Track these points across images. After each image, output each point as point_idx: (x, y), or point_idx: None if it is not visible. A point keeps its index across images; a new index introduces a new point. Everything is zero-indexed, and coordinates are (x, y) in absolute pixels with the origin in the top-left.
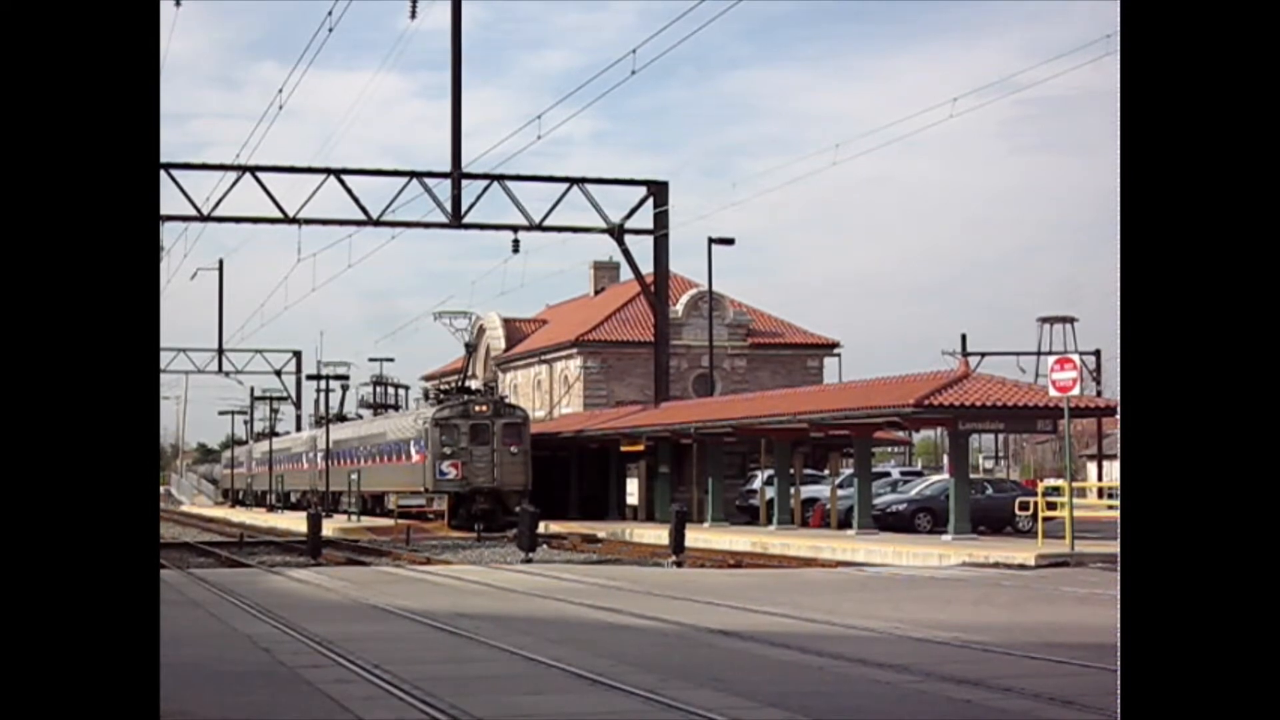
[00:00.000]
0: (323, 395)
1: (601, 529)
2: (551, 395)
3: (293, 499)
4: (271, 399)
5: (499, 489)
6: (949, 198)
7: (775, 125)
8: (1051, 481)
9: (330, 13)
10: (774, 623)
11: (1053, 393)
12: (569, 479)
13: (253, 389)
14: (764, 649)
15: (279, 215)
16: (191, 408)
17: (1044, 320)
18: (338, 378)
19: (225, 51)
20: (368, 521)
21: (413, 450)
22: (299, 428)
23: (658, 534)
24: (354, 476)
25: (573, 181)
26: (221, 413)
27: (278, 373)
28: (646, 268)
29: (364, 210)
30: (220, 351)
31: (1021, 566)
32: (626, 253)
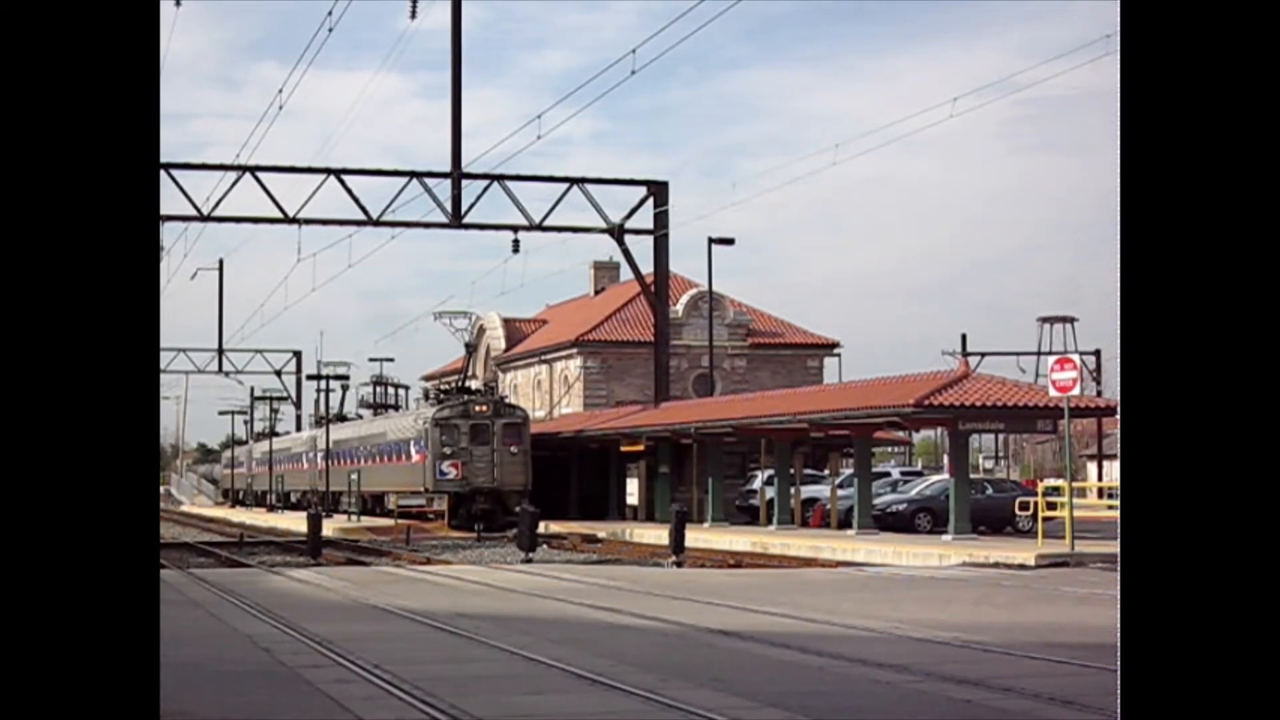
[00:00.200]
0: (323, 395)
1: (601, 529)
2: (551, 395)
3: (293, 499)
4: (271, 399)
5: (499, 489)
6: (949, 198)
7: (775, 125)
8: (1051, 481)
9: (330, 13)
10: (774, 623)
11: (1053, 393)
12: (569, 479)
13: (253, 389)
14: (764, 649)
15: (279, 215)
16: (191, 408)
17: (1044, 320)
18: (338, 378)
19: (225, 51)
20: (368, 521)
21: (413, 450)
22: (299, 428)
23: (658, 534)
24: (354, 476)
25: (573, 181)
26: (221, 413)
27: (278, 373)
28: (646, 268)
29: (364, 210)
30: (220, 351)
31: (1021, 566)
32: (626, 253)
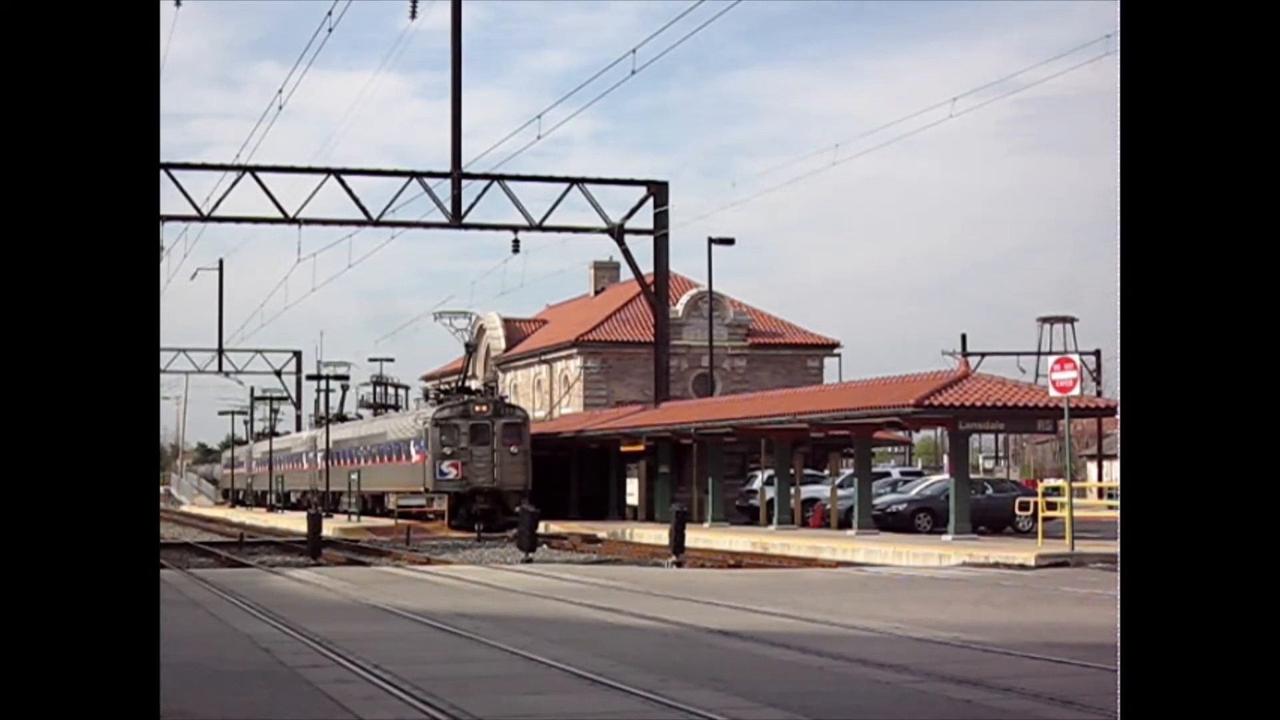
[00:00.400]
0: (323, 395)
1: (601, 529)
2: (551, 395)
3: (293, 499)
4: (271, 399)
5: (499, 489)
6: (949, 198)
7: (775, 125)
8: (1051, 481)
9: (330, 13)
10: (774, 623)
11: (1053, 393)
12: (569, 479)
13: (253, 389)
14: (764, 649)
15: (279, 215)
16: (191, 408)
17: (1044, 320)
18: (338, 378)
19: (225, 51)
20: (368, 521)
21: (413, 450)
22: (299, 428)
23: (658, 534)
24: (354, 476)
25: (573, 181)
26: (221, 413)
27: (278, 373)
28: (646, 268)
29: (364, 210)
30: (220, 351)
31: (1021, 566)
32: (626, 253)
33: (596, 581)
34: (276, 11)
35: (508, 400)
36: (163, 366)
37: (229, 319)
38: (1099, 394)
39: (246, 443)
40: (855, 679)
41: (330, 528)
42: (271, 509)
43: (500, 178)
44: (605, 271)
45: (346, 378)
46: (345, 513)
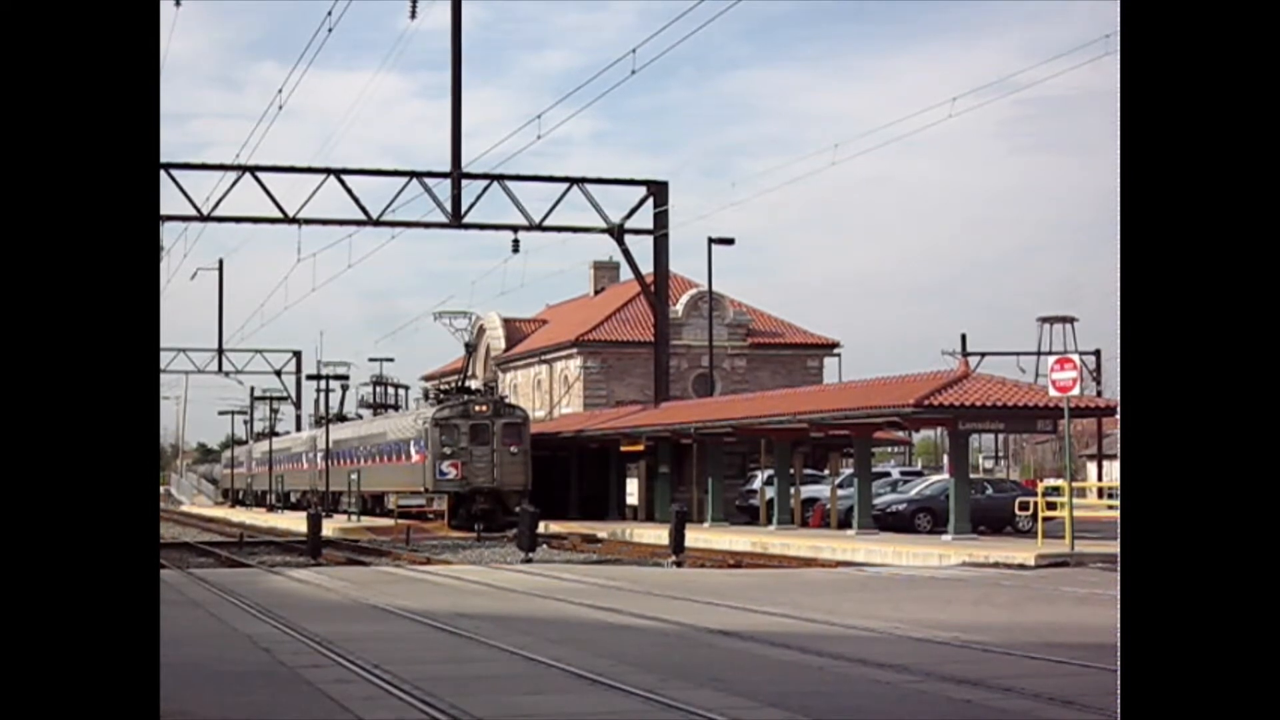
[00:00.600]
0: (323, 395)
1: (601, 529)
2: (551, 395)
3: (293, 499)
4: (271, 399)
5: (499, 489)
6: (949, 198)
7: (775, 125)
8: (1051, 481)
9: (330, 13)
10: (774, 623)
11: (1053, 393)
12: (569, 479)
13: (253, 389)
14: (764, 649)
15: (279, 215)
16: (191, 408)
17: (1044, 320)
18: (338, 378)
19: (225, 51)
20: (368, 521)
21: (413, 450)
22: (299, 428)
23: (658, 534)
24: (354, 476)
25: (573, 181)
26: (221, 413)
27: (278, 373)
28: (646, 268)
29: (364, 210)
30: (220, 351)
31: (1021, 566)
32: (626, 253)
33: (596, 581)
34: (276, 11)
35: (508, 400)
36: (163, 366)
37: (229, 319)
38: (1099, 394)
39: (246, 443)
40: (855, 679)
41: (330, 528)
42: (271, 509)
43: (500, 178)
44: (605, 271)
45: (346, 378)
46: (345, 513)
